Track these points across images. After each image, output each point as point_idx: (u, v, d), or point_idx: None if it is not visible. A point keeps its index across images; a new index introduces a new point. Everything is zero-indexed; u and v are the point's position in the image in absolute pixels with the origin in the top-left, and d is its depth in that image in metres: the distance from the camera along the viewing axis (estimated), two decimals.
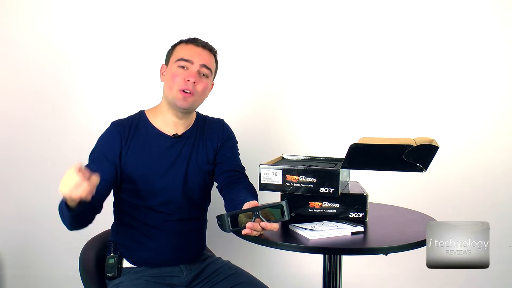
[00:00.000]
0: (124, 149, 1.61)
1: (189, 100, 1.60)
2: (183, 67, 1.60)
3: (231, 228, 1.32)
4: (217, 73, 1.75)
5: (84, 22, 2.39)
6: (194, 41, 1.66)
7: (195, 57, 1.61)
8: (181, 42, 1.68)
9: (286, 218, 1.35)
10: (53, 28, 2.38)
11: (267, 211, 1.36)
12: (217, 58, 1.71)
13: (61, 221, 1.46)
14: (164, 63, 1.70)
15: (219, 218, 1.33)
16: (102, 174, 1.52)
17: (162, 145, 1.64)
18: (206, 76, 1.64)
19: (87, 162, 1.59)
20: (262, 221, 1.33)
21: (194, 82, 1.59)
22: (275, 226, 1.36)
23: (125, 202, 1.64)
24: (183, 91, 1.59)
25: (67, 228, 1.49)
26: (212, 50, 1.68)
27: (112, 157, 1.59)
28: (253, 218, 1.32)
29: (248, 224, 1.32)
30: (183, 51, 1.63)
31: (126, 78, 2.41)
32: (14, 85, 2.42)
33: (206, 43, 1.67)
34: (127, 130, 1.62)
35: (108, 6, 2.39)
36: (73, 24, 2.38)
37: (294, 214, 1.58)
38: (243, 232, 1.34)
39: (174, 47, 1.68)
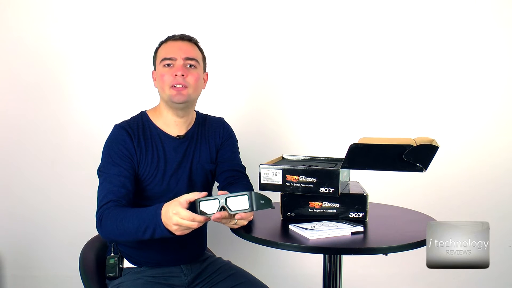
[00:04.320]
0: (137, 150, 1.59)
1: (184, 93, 1.59)
2: (168, 65, 1.61)
3: (200, 214, 1.29)
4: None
5: (82, 22, 2.39)
6: (171, 37, 1.66)
7: (176, 52, 1.61)
8: (161, 44, 1.68)
9: (249, 209, 1.30)
10: (52, 28, 2.38)
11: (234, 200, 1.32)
12: (200, 47, 1.69)
13: (119, 236, 1.44)
14: (153, 69, 1.70)
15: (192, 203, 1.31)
16: (126, 173, 1.54)
17: (168, 146, 1.64)
18: (193, 66, 1.62)
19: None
20: (227, 210, 1.30)
21: (183, 75, 1.59)
22: (245, 215, 1.34)
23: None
24: (174, 86, 1.58)
25: (124, 241, 1.57)
26: (191, 40, 1.66)
27: (130, 155, 1.58)
28: (219, 205, 1.30)
29: (216, 215, 1.30)
30: (164, 51, 1.63)
31: (124, 78, 2.41)
32: (14, 86, 2.42)
33: (184, 34, 1.66)
34: (135, 132, 1.61)
35: (105, 7, 2.39)
36: (72, 24, 2.38)
37: (294, 214, 1.58)
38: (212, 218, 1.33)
39: (156, 50, 1.68)
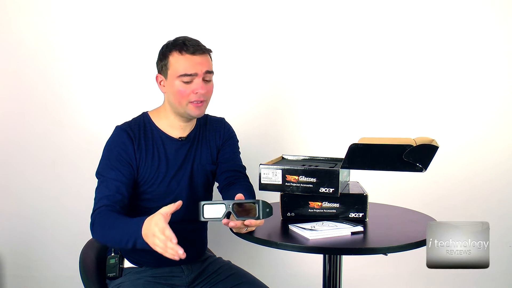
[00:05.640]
0: (138, 153, 1.58)
1: (202, 108, 1.59)
2: (187, 81, 1.55)
3: (204, 217, 1.30)
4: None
5: (83, 23, 2.39)
6: (187, 49, 1.54)
7: (198, 68, 1.54)
8: (171, 50, 1.57)
9: (257, 217, 1.30)
10: (53, 28, 2.38)
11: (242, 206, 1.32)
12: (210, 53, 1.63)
13: (103, 239, 1.50)
14: (157, 72, 1.62)
15: (197, 205, 1.31)
16: (123, 179, 1.53)
17: (170, 148, 1.63)
18: (210, 79, 1.60)
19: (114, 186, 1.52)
20: (234, 215, 1.30)
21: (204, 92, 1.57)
22: (255, 223, 1.33)
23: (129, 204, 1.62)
24: (195, 102, 1.56)
25: (109, 245, 1.64)
26: (205, 51, 1.58)
27: (129, 159, 1.56)
28: (225, 211, 1.30)
29: (224, 221, 1.31)
30: (183, 65, 1.54)
31: (125, 79, 2.41)
32: (14, 86, 2.42)
33: (198, 45, 1.57)
34: (136, 134, 1.60)
35: (105, 8, 2.39)
36: (73, 24, 2.38)
37: (294, 214, 1.58)
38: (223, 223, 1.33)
39: (166, 57, 1.57)
